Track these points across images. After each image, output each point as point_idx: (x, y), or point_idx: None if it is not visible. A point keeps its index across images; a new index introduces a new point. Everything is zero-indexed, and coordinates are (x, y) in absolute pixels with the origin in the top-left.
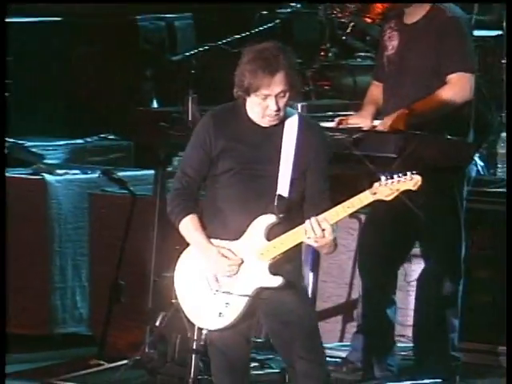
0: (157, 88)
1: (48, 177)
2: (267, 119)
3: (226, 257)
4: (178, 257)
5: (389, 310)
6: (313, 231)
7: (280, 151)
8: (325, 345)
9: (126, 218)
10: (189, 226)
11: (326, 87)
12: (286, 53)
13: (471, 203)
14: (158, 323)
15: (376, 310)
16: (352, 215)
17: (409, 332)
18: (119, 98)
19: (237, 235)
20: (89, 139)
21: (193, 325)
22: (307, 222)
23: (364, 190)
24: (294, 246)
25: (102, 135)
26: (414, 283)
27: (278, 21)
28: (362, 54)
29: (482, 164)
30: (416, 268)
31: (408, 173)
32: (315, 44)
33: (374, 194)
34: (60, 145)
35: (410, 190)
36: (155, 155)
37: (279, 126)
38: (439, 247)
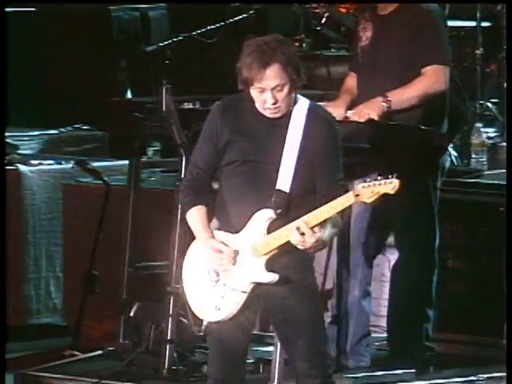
0: (131, 78)
1: (22, 167)
2: (268, 111)
3: (219, 251)
4: (189, 245)
5: (364, 301)
6: (292, 236)
7: (284, 142)
8: None
9: (101, 209)
10: (193, 218)
11: None
12: (284, 45)
13: (445, 193)
14: (132, 314)
15: (351, 301)
16: None
17: (383, 322)
18: (93, 89)
19: (238, 228)
20: (63, 129)
21: (191, 313)
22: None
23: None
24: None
25: (76, 125)
26: (389, 273)
27: (252, 11)
28: (337, 44)
29: (455, 154)
30: (390, 258)
31: (389, 176)
32: (289, 34)
33: (357, 195)
34: (34, 135)
35: (389, 194)
36: (129, 145)
37: (286, 117)
38: (413, 237)
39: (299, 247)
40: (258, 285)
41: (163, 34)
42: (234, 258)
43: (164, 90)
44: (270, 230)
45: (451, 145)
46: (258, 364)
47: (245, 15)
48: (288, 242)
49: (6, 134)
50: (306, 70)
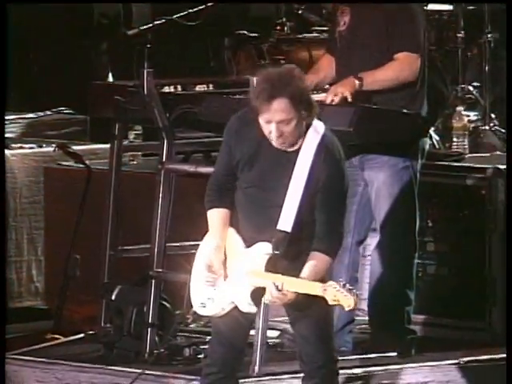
0: (112, 62)
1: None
2: (275, 143)
3: (209, 267)
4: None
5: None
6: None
7: (290, 178)
8: (279, 319)
9: (82, 192)
10: (210, 218)
11: (282, 61)
12: (296, 80)
13: (425, 177)
14: (113, 297)
15: None
16: None
17: (364, 306)
18: (75, 72)
19: (246, 243)
20: (44, 113)
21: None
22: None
23: None
24: None
25: (57, 109)
26: (369, 257)
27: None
28: (318, 28)
29: (437, 138)
30: (372, 242)
31: (354, 291)
32: (271, 18)
33: (324, 290)
34: (15, 119)
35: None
36: (111, 129)
37: (295, 151)
38: (393, 220)
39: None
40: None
41: (144, 18)
42: (222, 274)
43: (145, 73)
44: (267, 265)
45: (433, 128)
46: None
47: None
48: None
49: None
50: (288, 54)
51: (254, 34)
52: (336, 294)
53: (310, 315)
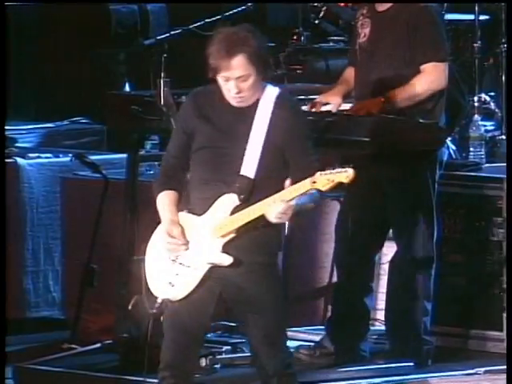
0: (129, 72)
1: (20, 160)
2: (233, 100)
3: (170, 234)
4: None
5: (366, 298)
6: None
7: (250, 129)
8: (297, 328)
9: (99, 202)
10: (161, 201)
11: (299, 71)
12: (252, 37)
13: (442, 186)
14: (130, 307)
15: (353, 298)
16: (326, 199)
17: (381, 316)
18: (92, 82)
19: (202, 211)
20: (61, 123)
21: (146, 291)
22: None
23: None
24: (252, 226)
25: (74, 119)
26: (386, 266)
27: (250, 4)
28: (335, 37)
29: (453, 148)
30: (388, 251)
31: (346, 166)
32: (288, 28)
33: (314, 182)
34: (32, 128)
35: (343, 183)
36: (128, 139)
37: (253, 106)
38: (412, 231)
39: (276, 220)
40: (214, 267)
41: (162, 27)
42: (186, 243)
43: (162, 83)
44: (232, 215)
45: (449, 138)
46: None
47: (243, 7)
48: (245, 225)
49: (4, 128)
50: (305, 64)
51: (270, 44)
52: (329, 177)
53: (263, 316)
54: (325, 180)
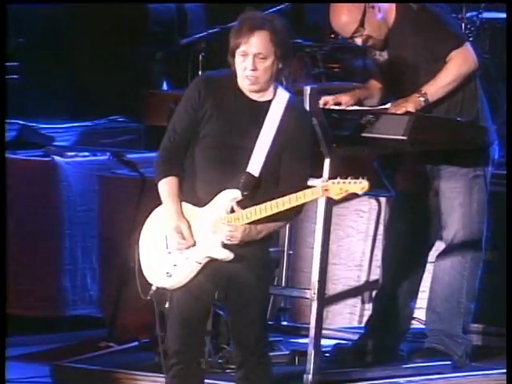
0: (167, 70)
1: (58, 159)
2: (247, 83)
3: (181, 234)
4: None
5: (411, 300)
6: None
7: (260, 128)
8: (334, 327)
9: (136, 201)
10: (164, 189)
11: (337, 69)
12: (276, 18)
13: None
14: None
15: (399, 300)
16: (362, 198)
17: (420, 315)
18: (129, 81)
19: (203, 203)
20: (99, 121)
21: (140, 278)
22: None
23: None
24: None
25: (112, 117)
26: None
27: (288, 3)
28: None
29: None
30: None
31: (360, 177)
32: (326, 26)
33: (326, 190)
34: (70, 127)
35: (357, 194)
36: None
37: (266, 103)
38: (463, 230)
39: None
40: (212, 260)
41: (199, 26)
42: (194, 243)
43: None
44: (232, 210)
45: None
46: (293, 356)
47: (282, 6)
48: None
49: (42, 126)
50: (343, 62)
51: (308, 43)
52: (342, 187)
53: (252, 303)
54: (338, 189)
